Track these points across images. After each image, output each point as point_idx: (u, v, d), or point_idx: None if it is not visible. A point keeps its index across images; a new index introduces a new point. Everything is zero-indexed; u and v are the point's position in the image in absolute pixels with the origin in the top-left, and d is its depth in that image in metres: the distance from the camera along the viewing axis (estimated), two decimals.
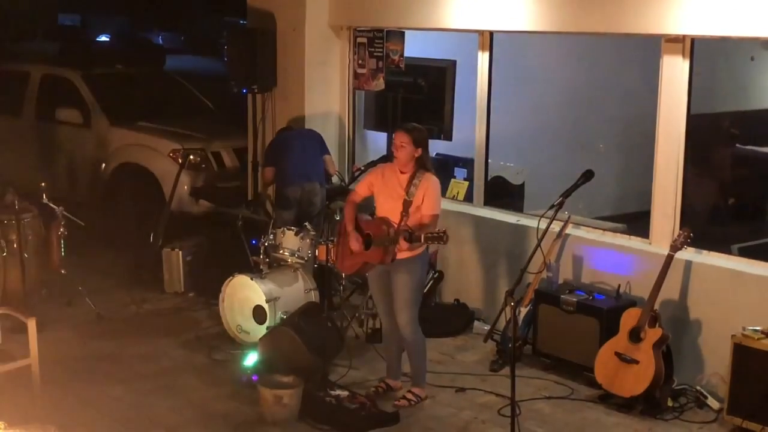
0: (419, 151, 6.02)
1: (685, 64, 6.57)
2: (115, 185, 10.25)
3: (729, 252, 6.68)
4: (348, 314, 7.57)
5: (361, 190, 6.27)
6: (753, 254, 6.59)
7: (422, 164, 6.05)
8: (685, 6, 6.40)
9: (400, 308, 6.14)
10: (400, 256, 6.00)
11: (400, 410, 6.14)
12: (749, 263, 6.41)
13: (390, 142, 6.65)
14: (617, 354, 6.23)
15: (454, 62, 8.73)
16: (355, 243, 6.12)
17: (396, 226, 5.95)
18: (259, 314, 7.17)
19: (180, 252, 8.47)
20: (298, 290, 7.35)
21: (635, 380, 6.14)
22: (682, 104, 6.62)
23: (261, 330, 7.05)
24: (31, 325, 6.01)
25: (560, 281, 7.16)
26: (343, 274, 7.39)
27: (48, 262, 7.89)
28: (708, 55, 7.60)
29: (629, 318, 6.25)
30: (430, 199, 5.98)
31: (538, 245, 6.60)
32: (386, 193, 6.09)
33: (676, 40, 6.55)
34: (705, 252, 6.59)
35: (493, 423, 6.06)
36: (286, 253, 7.38)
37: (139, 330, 7.63)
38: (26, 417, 5.48)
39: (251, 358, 6.67)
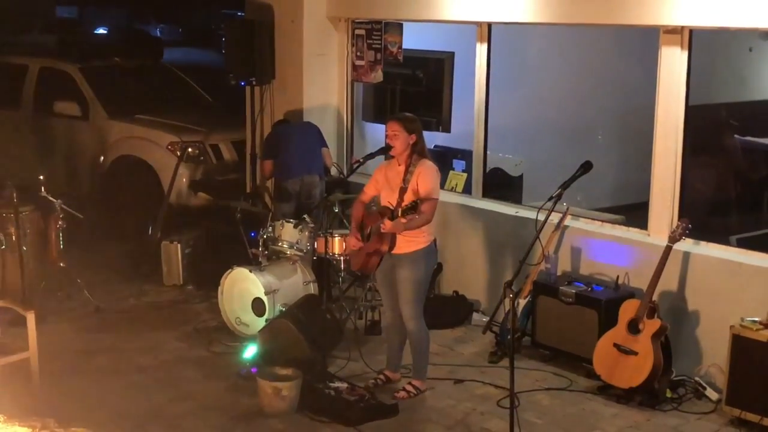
0: (413, 137, 6.02)
1: (683, 55, 6.55)
2: (113, 178, 10.24)
3: (727, 243, 6.66)
4: (347, 306, 7.57)
5: (368, 189, 6.31)
6: (751, 245, 6.58)
7: (418, 151, 6.05)
8: None
9: (404, 303, 6.14)
10: (403, 250, 6.01)
11: (400, 402, 6.15)
12: (748, 254, 6.40)
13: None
14: (616, 345, 6.23)
15: (452, 54, 8.71)
16: (351, 240, 6.19)
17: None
18: (258, 306, 7.17)
19: (179, 245, 8.47)
20: (296, 282, 7.35)
21: (634, 371, 6.14)
22: (681, 95, 6.61)
23: (260, 322, 7.05)
24: (30, 318, 6.00)
25: (559, 273, 7.15)
26: (342, 267, 7.39)
27: (47, 255, 7.89)
28: (706, 46, 7.59)
29: (628, 309, 6.25)
30: (424, 183, 5.95)
31: (537, 237, 6.60)
32: (388, 187, 6.11)
33: (674, 31, 6.54)
34: (703, 243, 6.58)
35: (492, 414, 6.06)
36: (284, 246, 7.38)
37: (137, 323, 7.63)
38: (25, 410, 5.48)
39: (250, 351, 6.67)
